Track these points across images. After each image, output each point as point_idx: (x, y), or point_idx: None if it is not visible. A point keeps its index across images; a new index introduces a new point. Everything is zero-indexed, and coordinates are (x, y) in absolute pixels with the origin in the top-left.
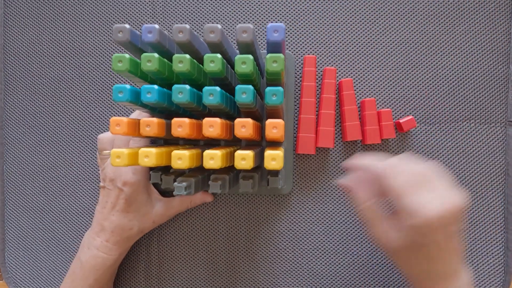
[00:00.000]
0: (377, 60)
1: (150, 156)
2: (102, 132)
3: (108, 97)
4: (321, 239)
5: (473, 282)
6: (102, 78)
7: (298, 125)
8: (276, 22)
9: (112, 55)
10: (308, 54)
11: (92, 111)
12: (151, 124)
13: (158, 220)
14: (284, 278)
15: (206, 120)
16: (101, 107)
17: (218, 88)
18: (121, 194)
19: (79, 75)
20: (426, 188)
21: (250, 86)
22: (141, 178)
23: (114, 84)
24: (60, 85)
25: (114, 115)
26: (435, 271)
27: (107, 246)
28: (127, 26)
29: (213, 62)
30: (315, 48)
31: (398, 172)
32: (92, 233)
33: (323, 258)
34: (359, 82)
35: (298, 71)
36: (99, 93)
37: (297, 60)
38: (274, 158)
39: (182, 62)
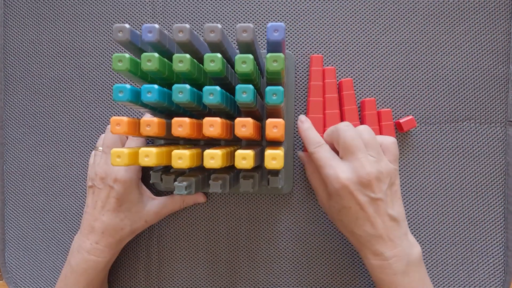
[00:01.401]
0: (377, 60)
1: (151, 155)
2: (102, 132)
3: (108, 97)
4: (321, 239)
5: (420, 258)
6: (102, 78)
7: None
8: (276, 21)
9: (112, 55)
10: (308, 54)
11: (92, 111)
12: (152, 124)
13: (151, 220)
14: (284, 278)
15: (207, 119)
16: (101, 107)
17: (218, 88)
18: (111, 192)
19: (79, 75)
20: (346, 158)
21: (251, 86)
22: (133, 175)
23: (114, 84)
24: (60, 85)
25: (114, 115)
26: (364, 233)
27: (98, 249)
28: (127, 25)
29: (213, 62)
30: (315, 48)
31: (322, 146)
32: (81, 236)
33: (323, 258)
34: (359, 82)
35: (298, 71)
36: (99, 93)
37: (297, 59)
38: (274, 158)
39: (182, 61)
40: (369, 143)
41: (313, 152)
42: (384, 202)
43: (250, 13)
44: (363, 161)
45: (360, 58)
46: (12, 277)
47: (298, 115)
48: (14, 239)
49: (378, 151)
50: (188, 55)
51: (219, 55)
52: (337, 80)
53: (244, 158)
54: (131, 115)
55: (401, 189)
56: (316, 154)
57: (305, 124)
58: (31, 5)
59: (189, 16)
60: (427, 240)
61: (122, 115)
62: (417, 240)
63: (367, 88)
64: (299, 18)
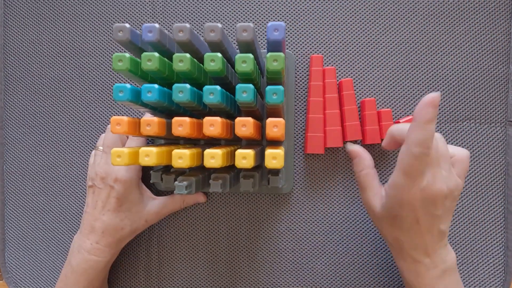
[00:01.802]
0: (377, 60)
1: (151, 155)
2: (102, 132)
3: (108, 97)
4: (321, 239)
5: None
6: (102, 78)
7: (307, 125)
8: (276, 21)
9: (112, 55)
10: (308, 54)
11: (92, 111)
12: (152, 123)
13: (151, 220)
14: (284, 278)
15: (207, 119)
16: (101, 107)
17: (218, 87)
18: (112, 192)
19: (79, 75)
20: (424, 170)
21: (251, 85)
22: (133, 175)
23: (114, 84)
24: (60, 85)
25: (114, 115)
26: (411, 242)
27: (98, 248)
28: (127, 25)
29: (213, 61)
30: (315, 48)
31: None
32: (81, 236)
33: (323, 258)
34: (359, 82)
35: (298, 71)
36: (99, 93)
37: (297, 59)
38: (275, 157)
39: (182, 61)
40: (442, 156)
41: (417, 156)
42: (440, 217)
43: (250, 13)
44: (436, 177)
45: (360, 58)
46: (12, 277)
47: (298, 114)
48: (14, 239)
49: (450, 166)
50: (188, 55)
51: (219, 54)
52: (337, 80)
53: (245, 157)
54: (132, 115)
55: None
56: (417, 161)
57: (432, 113)
58: (31, 5)
59: (189, 16)
60: None
61: (122, 115)
62: None
63: (367, 88)
64: (299, 18)
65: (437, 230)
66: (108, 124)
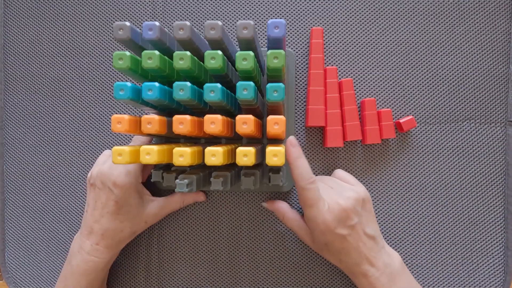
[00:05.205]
0: (377, 60)
1: (152, 153)
2: (102, 132)
3: (108, 97)
4: None
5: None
6: (102, 78)
7: (308, 97)
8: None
9: (112, 54)
10: (308, 53)
11: (92, 111)
12: (152, 121)
13: (151, 221)
14: (285, 278)
15: (208, 116)
16: (101, 107)
17: (219, 85)
18: (111, 195)
19: (79, 75)
20: (319, 195)
21: (251, 83)
22: (132, 180)
23: (114, 83)
24: (60, 85)
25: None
26: (350, 259)
27: (98, 250)
28: (127, 23)
29: (214, 59)
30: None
31: (314, 183)
32: (81, 236)
33: (323, 257)
34: (359, 82)
35: (298, 70)
36: (99, 93)
37: (297, 58)
38: (276, 154)
39: (183, 59)
40: (325, 178)
41: (305, 188)
42: (360, 223)
43: (250, 12)
44: (331, 195)
45: (360, 58)
46: (12, 277)
47: (299, 112)
48: (14, 239)
49: (337, 181)
50: (188, 53)
51: (219, 52)
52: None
53: (246, 155)
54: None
55: (401, 189)
56: (307, 192)
57: (296, 151)
58: (31, 5)
59: (190, 15)
60: (427, 240)
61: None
62: (417, 241)
63: (367, 88)
64: (299, 17)
65: (365, 236)
66: (108, 124)
